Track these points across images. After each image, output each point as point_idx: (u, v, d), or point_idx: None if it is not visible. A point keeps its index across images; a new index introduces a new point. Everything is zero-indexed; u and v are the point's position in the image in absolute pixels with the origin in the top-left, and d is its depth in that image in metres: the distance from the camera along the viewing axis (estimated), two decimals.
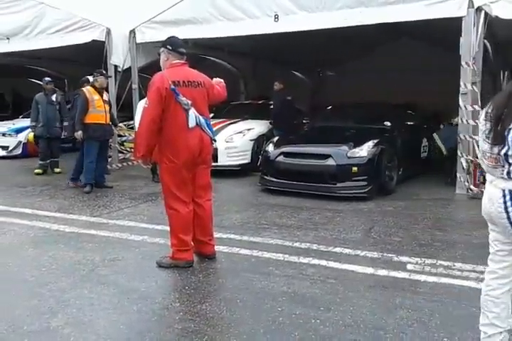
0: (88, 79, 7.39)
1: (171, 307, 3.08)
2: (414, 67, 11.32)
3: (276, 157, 6.59)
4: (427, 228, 4.79)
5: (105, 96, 6.89)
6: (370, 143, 6.30)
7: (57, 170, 8.26)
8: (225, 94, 4.06)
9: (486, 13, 6.14)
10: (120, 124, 7.25)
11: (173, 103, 3.57)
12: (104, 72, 7.06)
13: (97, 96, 6.69)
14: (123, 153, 9.29)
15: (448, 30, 6.53)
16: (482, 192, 6.16)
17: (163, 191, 3.76)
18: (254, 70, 12.31)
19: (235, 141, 7.97)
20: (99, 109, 6.69)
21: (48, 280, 3.49)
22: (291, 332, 2.72)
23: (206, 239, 3.88)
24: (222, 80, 4.10)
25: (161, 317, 2.94)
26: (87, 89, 6.73)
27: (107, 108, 6.85)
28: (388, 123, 7.19)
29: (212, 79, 3.98)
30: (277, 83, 8.78)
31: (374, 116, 7.71)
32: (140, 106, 6.97)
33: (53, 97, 8.15)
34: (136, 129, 4.27)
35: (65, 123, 8.11)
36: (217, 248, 4.00)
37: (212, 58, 11.22)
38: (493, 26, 6.57)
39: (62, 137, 8.33)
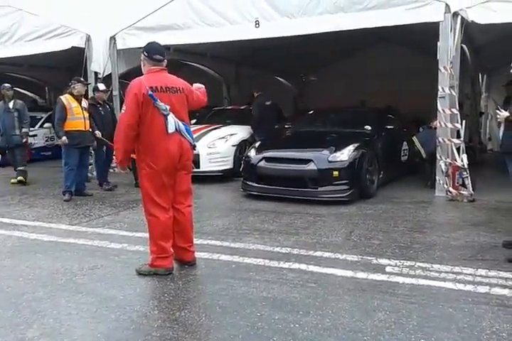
0: (97, 87, 7.48)
1: (149, 314, 3.06)
2: (395, 71, 11.48)
3: (258, 162, 6.60)
4: (406, 230, 4.83)
5: (84, 103, 6.84)
6: (350, 147, 6.35)
7: (14, 180, 7.88)
8: (206, 100, 4.05)
9: (463, 18, 6.25)
10: (96, 131, 7.06)
11: (151, 108, 3.56)
12: (81, 79, 7.02)
13: (75, 104, 6.65)
14: None
15: (426, 35, 6.63)
16: (461, 194, 6.30)
17: (143, 197, 3.74)
18: (237, 76, 12.35)
19: (217, 146, 7.96)
20: (77, 116, 6.65)
21: (25, 291, 3.44)
22: (270, 337, 2.71)
23: (186, 245, 3.86)
24: (202, 85, 4.09)
25: (139, 325, 2.91)
26: (65, 97, 6.69)
27: (86, 115, 6.80)
28: (369, 127, 7.26)
29: (192, 84, 3.98)
30: (254, 92, 8.86)
31: (355, 120, 7.78)
32: None
33: (10, 104, 7.87)
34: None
35: (24, 130, 7.88)
36: (197, 254, 3.98)
37: (194, 64, 11.23)
38: (471, 31, 6.69)
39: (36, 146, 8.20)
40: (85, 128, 6.74)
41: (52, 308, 3.14)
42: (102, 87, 7.50)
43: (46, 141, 10.67)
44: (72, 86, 6.73)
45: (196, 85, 4.03)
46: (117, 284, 3.55)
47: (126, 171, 3.90)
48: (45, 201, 6.55)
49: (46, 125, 10.73)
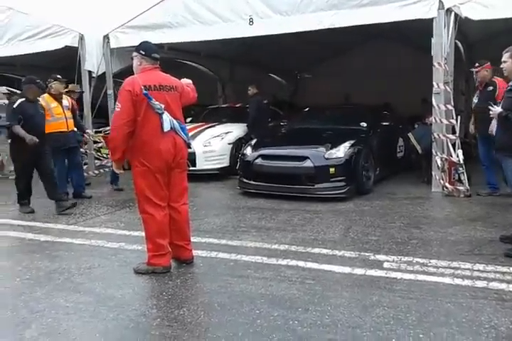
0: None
1: (148, 313, 3.05)
2: (390, 68, 11.50)
3: (255, 160, 6.59)
4: (403, 226, 4.84)
5: (65, 102, 6.49)
6: (346, 144, 6.35)
7: None
8: (196, 96, 4.03)
9: (456, 15, 6.26)
10: (88, 131, 6.87)
11: (145, 107, 3.55)
12: (58, 76, 6.47)
13: (54, 104, 6.25)
14: (100, 159, 9.17)
15: (421, 31, 6.64)
16: (457, 189, 6.32)
17: (137, 195, 3.72)
18: (232, 74, 12.33)
19: (212, 144, 7.95)
20: (58, 116, 6.26)
21: (22, 291, 3.42)
22: (269, 334, 2.71)
23: (183, 243, 3.84)
24: (190, 81, 4.06)
25: (137, 324, 2.91)
26: (43, 97, 6.19)
27: (69, 114, 6.46)
28: (364, 124, 7.26)
29: (179, 79, 3.95)
30: (251, 88, 8.79)
31: (350, 117, 7.78)
32: None
33: None
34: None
35: None
36: (195, 252, 3.97)
37: (188, 62, 11.20)
38: (464, 27, 6.71)
39: None
40: (68, 128, 6.38)
41: (51, 308, 3.13)
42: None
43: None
44: (49, 85, 6.27)
45: (184, 80, 4.00)
46: (115, 283, 3.54)
47: (121, 171, 3.88)
48: (41, 201, 6.49)
49: None
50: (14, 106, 5.62)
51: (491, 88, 5.95)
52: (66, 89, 7.41)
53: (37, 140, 5.44)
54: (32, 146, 5.43)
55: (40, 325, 2.91)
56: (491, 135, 5.46)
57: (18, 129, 5.51)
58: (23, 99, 5.68)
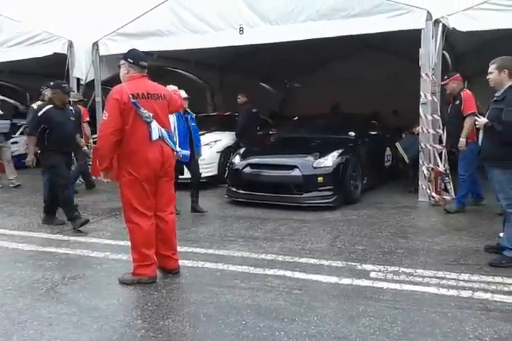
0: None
1: (132, 324, 3.01)
2: (379, 77, 11.60)
3: (243, 168, 6.59)
4: (390, 236, 4.87)
5: None
6: (334, 153, 6.39)
7: None
8: (182, 103, 4.04)
9: (444, 26, 6.35)
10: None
11: (133, 116, 3.53)
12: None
13: None
14: None
15: (409, 41, 6.73)
16: (443, 199, 6.36)
17: (123, 205, 3.69)
18: (221, 82, 12.37)
19: (201, 153, 7.91)
20: None
21: (4, 302, 3.36)
22: None
23: (169, 253, 3.81)
24: (176, 88, 4.07)
25: (122, 335, 2.86)
26: (36, 104, 6.16)
27: None
28: (352, 134, 7.30)
29: (165, 86, 3.94)
30: (240, 96, 8.79)
31: (339, 126, 7.82)
32: None
33: None
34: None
35: None
36: (181, 262, 3.94)
37: (178, 70, 11.22)
38: (452, 38, 6.80)
39: None
40: None
41: (33, 319, 3.07)
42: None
43: (27, 148, 10.49)
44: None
45: (170, 87, 3.99)
46: (100, 293, 3.49)
47: (108, 179, 3.85)
48: (25, 209, 6.43)
49: None
50: (39, 113, 5.32)
51: (457, 102, 5.74)
52: (74, 99, 7.43)
53: (33, 165, 5.54)
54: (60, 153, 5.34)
55: (21, 336, 2.85)
56: (460, 149, 5.62)
57: (31, 143, 5.49)
58: (51, 106, 5.33)
